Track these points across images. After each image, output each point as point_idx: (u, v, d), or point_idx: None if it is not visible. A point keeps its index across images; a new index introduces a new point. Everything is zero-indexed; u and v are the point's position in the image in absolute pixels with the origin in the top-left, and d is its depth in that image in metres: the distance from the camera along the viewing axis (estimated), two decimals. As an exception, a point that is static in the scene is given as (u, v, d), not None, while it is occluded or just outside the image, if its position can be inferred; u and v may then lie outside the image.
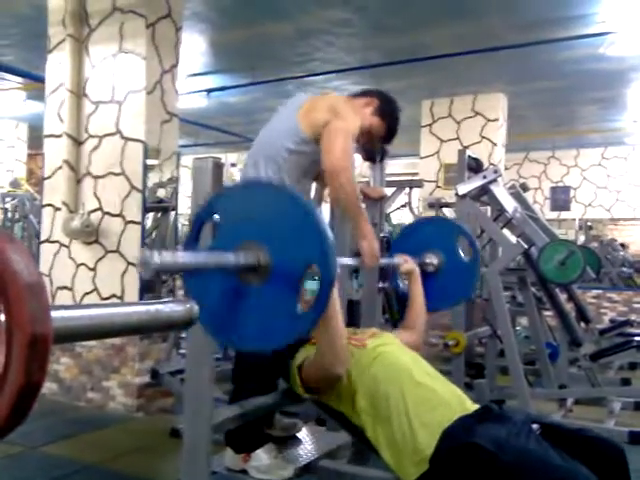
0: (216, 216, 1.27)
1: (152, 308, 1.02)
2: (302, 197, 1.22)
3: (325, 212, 2.65)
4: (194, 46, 5.37)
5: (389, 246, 6.01)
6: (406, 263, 2.23)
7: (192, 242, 1.27)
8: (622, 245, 9.33)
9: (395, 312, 3.92)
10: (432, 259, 2.41)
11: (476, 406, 1.70)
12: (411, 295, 2.25)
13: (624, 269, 8.53)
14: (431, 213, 6.45)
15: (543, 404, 3.65)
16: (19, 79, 6.51)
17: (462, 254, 2.45)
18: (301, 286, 1.15)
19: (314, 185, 2.59)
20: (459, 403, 1.68)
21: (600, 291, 7.98)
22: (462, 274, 2.42)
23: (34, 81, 5.89)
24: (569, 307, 4.25)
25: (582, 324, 4.39)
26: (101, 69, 4.00)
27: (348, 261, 1.93)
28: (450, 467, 1.51)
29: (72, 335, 0.79)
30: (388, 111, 2.29)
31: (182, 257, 1.07)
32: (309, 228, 1.15)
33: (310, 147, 2.17)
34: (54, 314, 0.72)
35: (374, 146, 2.48)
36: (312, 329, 1.34)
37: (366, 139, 2.36)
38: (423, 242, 2.46)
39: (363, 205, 2.21)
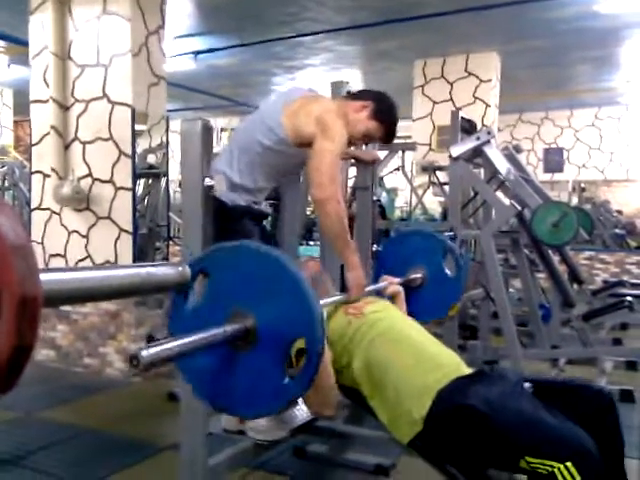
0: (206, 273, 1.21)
1: (144, 271, 1.02)
2: (293, 267, 1.16)
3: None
4: (180, 7, 5.22)
5: (382, 210, 5.97)
6: (391, 286, 2.23)
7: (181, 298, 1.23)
8: (618, 212, 9.36)
9: None
10: (417, 274, 2.40)
11: (471, 370, 1.72)
12: None
13: (617, 230, 8.58)
14: (424, 177, 6.42)
15: (536, 364, 3.71)
16: (1, 43, 6.33)
17: (447, 269, 2.43)
18: (288, 357, 1.13)
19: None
20: (455, 366, 1.70)
21: (593, 252, 8.03)
22: (446, 289, 2.41)
23: (17, 45, 5.73)
24: (562, 269, 4.27)
25: (575, 285, 4.43)
26: (85, 31, 3.89)
27: (334, 299, 1.91)
28: (444, 428, 1.54)
29: (63, 297, 0.79)
30: (385, 113, 2.22)
31: (172, 346, 1.01)
32: (298, 301, 1.12)
33: (289, 149, 2.13)
34: (44, 277, 0.71)
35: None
36: (299, 397, 1.33)
37: (364, 142, 2.36)
38: (408, 257, 2.46)
39: (351, 241, 2.08)
